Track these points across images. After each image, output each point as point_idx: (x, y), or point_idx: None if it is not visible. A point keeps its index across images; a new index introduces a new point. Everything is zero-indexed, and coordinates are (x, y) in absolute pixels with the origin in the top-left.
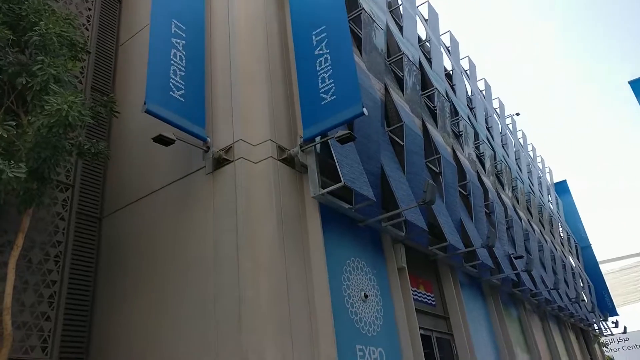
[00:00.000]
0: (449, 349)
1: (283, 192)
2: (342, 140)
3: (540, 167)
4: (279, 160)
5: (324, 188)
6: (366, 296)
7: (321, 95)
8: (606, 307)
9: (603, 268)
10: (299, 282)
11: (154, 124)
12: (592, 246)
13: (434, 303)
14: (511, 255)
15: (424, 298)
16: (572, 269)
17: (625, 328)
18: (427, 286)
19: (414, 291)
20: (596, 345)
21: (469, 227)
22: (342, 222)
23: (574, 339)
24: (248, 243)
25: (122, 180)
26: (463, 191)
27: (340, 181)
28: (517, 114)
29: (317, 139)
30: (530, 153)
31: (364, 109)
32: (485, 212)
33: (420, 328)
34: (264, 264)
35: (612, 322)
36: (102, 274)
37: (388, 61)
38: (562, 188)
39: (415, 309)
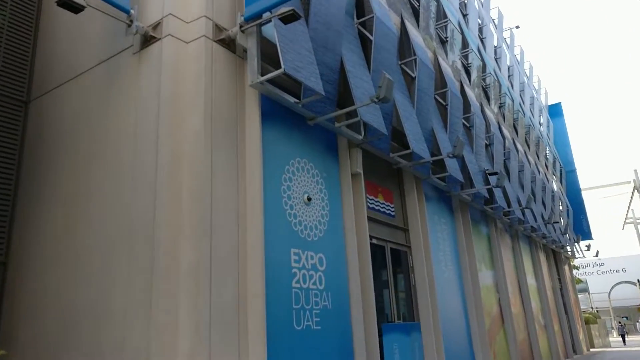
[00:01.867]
0: (405, 261)
1: (217, 78)
2: (286, 19)
3: (536, 87)
4: (215, 41)
5: (263, 76)
6: (309, 199)
7: None
8: (582, 231)
9: (590, 194)
10: (228, 179)
11: None
12: (577, 171)
13: (392, 214)
14: (486, 171)
15: (382, 207)
16: (553, 192)
17: (597, 252)
18: (387, 196)
19: (371, 199)
20: (566, 267)
21: (441, 137)
22: (289, 118)
23: (543, 259)
24: (169, 133)
25: (51, 61)
26: (442, 101)
27: (282, 68)
28: (517, 27)
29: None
30: (527, 71)
31: None
32: (465, 125)
33: (373, 237)
34: (187, 157)
35: (586, 246)
36: (27, 164)
37: None
38: (555, 110)
39: (371, 218)
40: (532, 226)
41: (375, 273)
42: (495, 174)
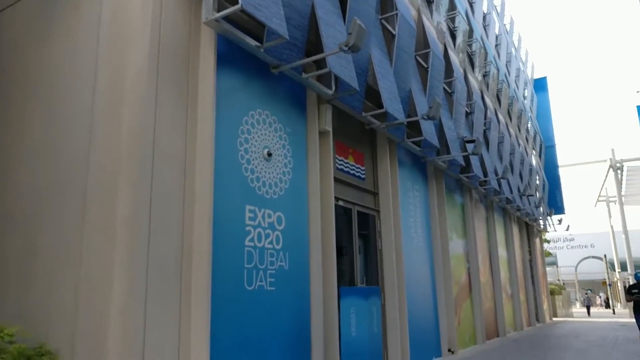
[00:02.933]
0: (372, 225)
1: (167, 13)
2: None
3: (523, 60)
4: None
5: (219, 12)
6: (270, 154)
7: None
8: (555, 206)
9: (567, 171)
10: (174, 124)
11: None
12: (556, 147)
13: (363, 176)
14: (464, 138)
15: (352, 169)
16: (531, 165)
17: (568, 226)
18: (358, 158)
19: (340, 160)
20: (537, 240)
21: (419, 100)
22: (251, 65)
23: (516, 232)
24: (108, 68)
25: None
26: (424, 62)
27: (239, 4)
28: None
29: None
30: (515, 42)
31: None
32: (446, 90)
33: (340, 199)
34: (128, 96)
35: (558, 220)
36: None
37: None
38: (540, 85)
39: (339, 179)
40: (507, 198)
41: (340, 236)
42: (473, 141)
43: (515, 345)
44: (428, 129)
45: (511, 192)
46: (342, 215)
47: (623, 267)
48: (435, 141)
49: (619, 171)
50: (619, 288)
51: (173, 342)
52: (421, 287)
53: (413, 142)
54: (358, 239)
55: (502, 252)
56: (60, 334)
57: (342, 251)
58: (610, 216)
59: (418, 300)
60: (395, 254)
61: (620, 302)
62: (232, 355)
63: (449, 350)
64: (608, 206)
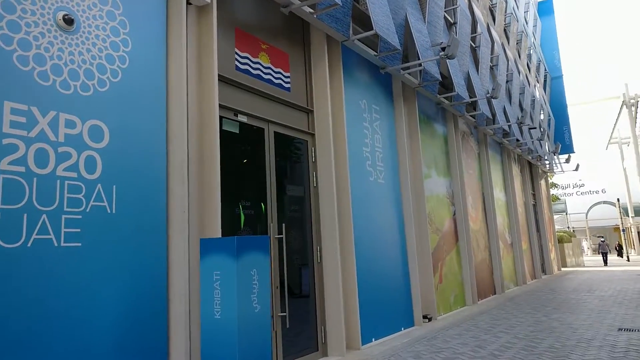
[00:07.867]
0: (304, 154)
1: None
2: None
3: None
4: None
5: None
6: (69, 21)
7: None
8: (563, 143)
9: (575, 110)
10: None
11: None
12: (564, 78)
13: (286, 86)
14: (440, 45)
15: (266, 73)
16: (533, 96)
17: (577, 165)
18: (279, 59)
19: (244, 57)
20: (542, 182)
21: None
22: None
23: (516, 172)
24: None
25: None
26: None
27: None
28: None
29: None
30: None
31: None
32: None
33: (241, 114)
34: None
35: (565, 159)
36: None
37: None
38: (545, 8)
39: (239, 84)
40: (503, 129)
41: (243, 165)
42: (447, 50)
43: (512, 305)
44: (383, 24)
45: (507, 121)
46: (249, 136)
47: (637, 212)
48: (394, 40)
49: (633, 108)
50: (633, 234)
51: None
52: (382, 238)
53: (363, 42)
54: (275, 171)
55: (499, 194)
56: None
57: (245, 187)
58: (623, 158)
59: (377, 256)
60: (338, 193)
61: (635, 249)
62: None
63: (425, 317)
64: (620, 148)
